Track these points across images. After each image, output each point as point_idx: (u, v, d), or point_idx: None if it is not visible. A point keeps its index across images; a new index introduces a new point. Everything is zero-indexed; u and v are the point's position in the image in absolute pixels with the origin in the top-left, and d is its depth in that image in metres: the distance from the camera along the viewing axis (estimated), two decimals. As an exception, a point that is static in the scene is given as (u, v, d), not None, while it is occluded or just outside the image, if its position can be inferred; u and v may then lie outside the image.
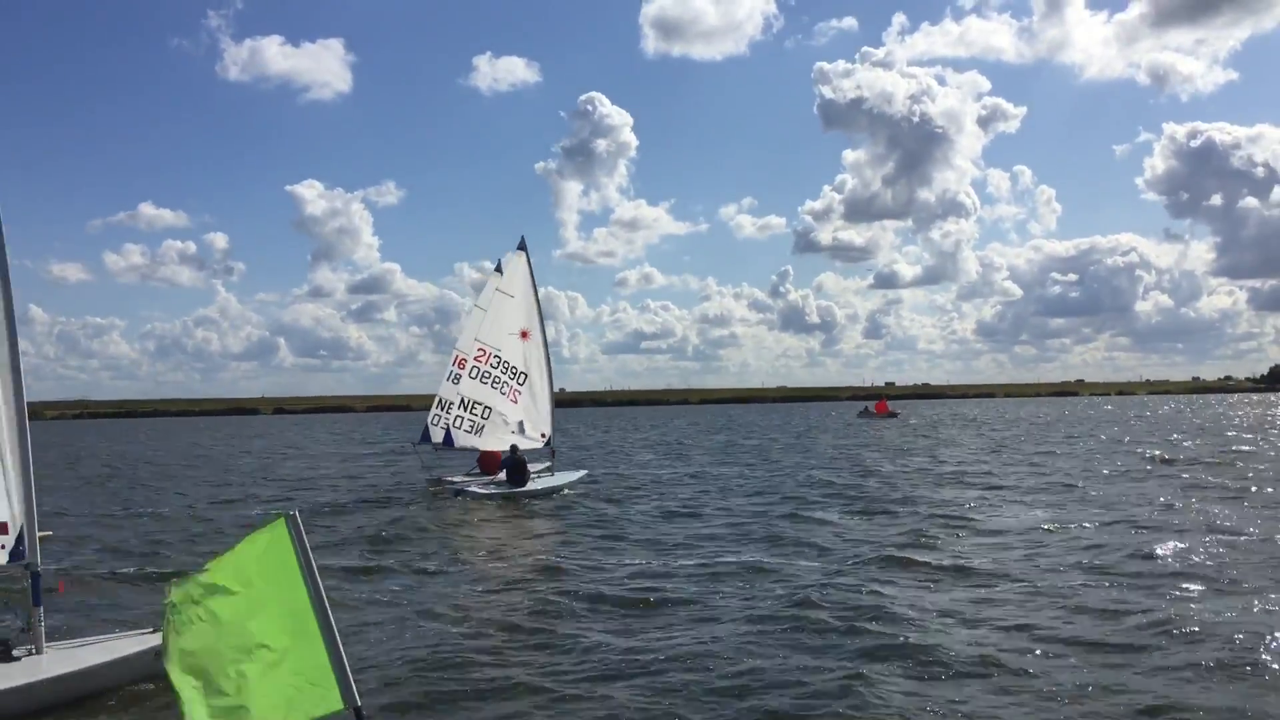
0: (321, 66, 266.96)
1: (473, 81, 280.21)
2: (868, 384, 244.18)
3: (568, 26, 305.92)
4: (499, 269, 27.93)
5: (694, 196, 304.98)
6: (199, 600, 5.31)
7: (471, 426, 26.14)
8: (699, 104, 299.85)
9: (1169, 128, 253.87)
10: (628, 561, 16.34)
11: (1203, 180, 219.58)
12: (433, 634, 11.95)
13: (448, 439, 26.42)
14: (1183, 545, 16.02)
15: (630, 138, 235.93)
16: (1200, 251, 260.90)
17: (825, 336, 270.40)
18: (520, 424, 26.69)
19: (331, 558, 17.00)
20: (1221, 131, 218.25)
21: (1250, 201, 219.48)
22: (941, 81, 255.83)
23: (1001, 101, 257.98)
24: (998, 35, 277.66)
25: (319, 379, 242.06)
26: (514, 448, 25.99)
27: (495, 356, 26.33)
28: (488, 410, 26.20)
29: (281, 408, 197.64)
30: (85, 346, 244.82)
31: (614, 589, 14.07)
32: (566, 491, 25.83)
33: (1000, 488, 25.94)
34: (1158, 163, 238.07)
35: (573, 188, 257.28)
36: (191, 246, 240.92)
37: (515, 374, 26.59)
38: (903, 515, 20.72)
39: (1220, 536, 17.02)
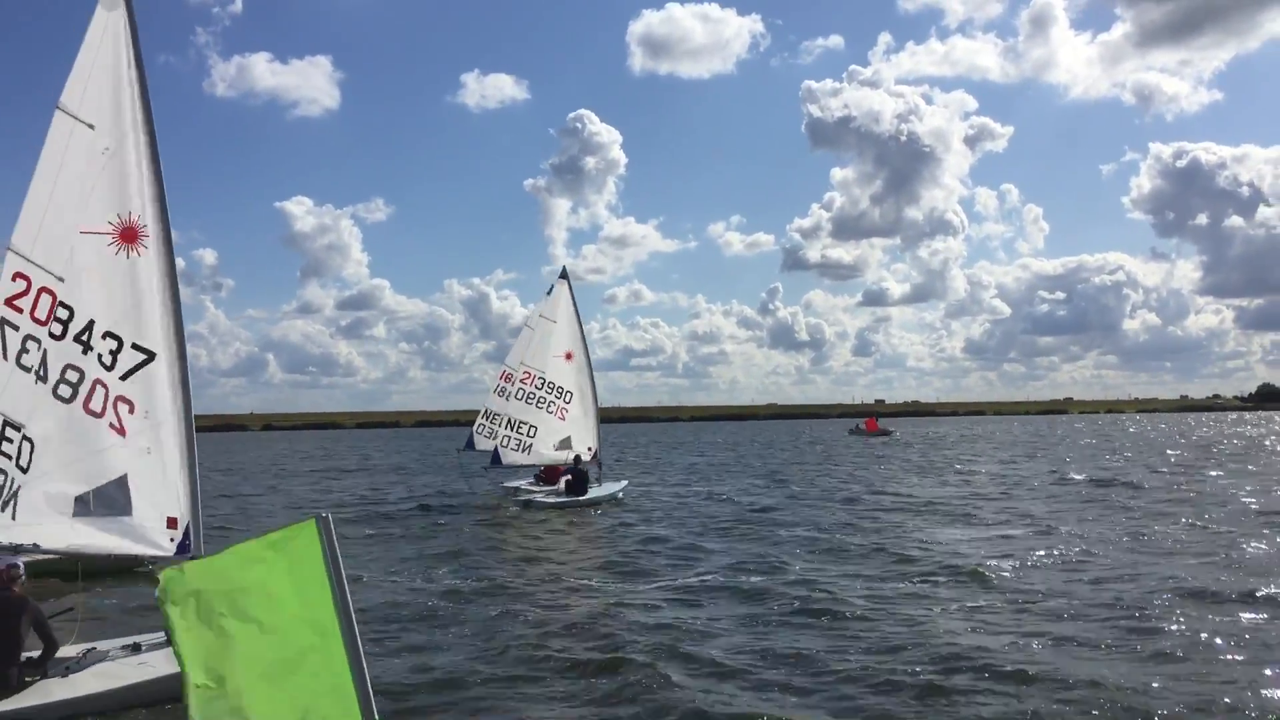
0: (309, 83, 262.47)
1: (461, 98, 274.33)
2: (858, 401, 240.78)
3: (555, 44, 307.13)
4: (550, 293, 29.40)
5: (683, 214, 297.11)
6: (211, 593, 5.01)
7: (518, 445, 27.64)
8: (687, 122, 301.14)
9: (1155, 147, 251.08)
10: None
11: (1189, 199, 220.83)
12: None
13: (496, 457, 27.97)
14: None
15: (619, 155, 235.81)
16: (1187, 270, 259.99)
17: (815, 354, 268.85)
18: (568, 439, 27.97)
19: (409, 564, 17.61)
20: (1207, 151, 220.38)
21: (1236, 221, 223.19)
22: (929, 100, 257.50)
23: (989, 121, 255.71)
24: (983, 55, 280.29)
25: (308, 395, 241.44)
26: (578, 458, 27.52)
27: (539, 378, 27.80)
28: (533, 429, 27.62)
29: (270, 424, 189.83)
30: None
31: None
32: (620, 496, 28.02)
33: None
34: (1144, 182, 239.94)
35: (562, 205, 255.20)
36: (180, 262, 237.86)
37: (562, 393, 28.03)
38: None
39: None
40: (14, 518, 9.45)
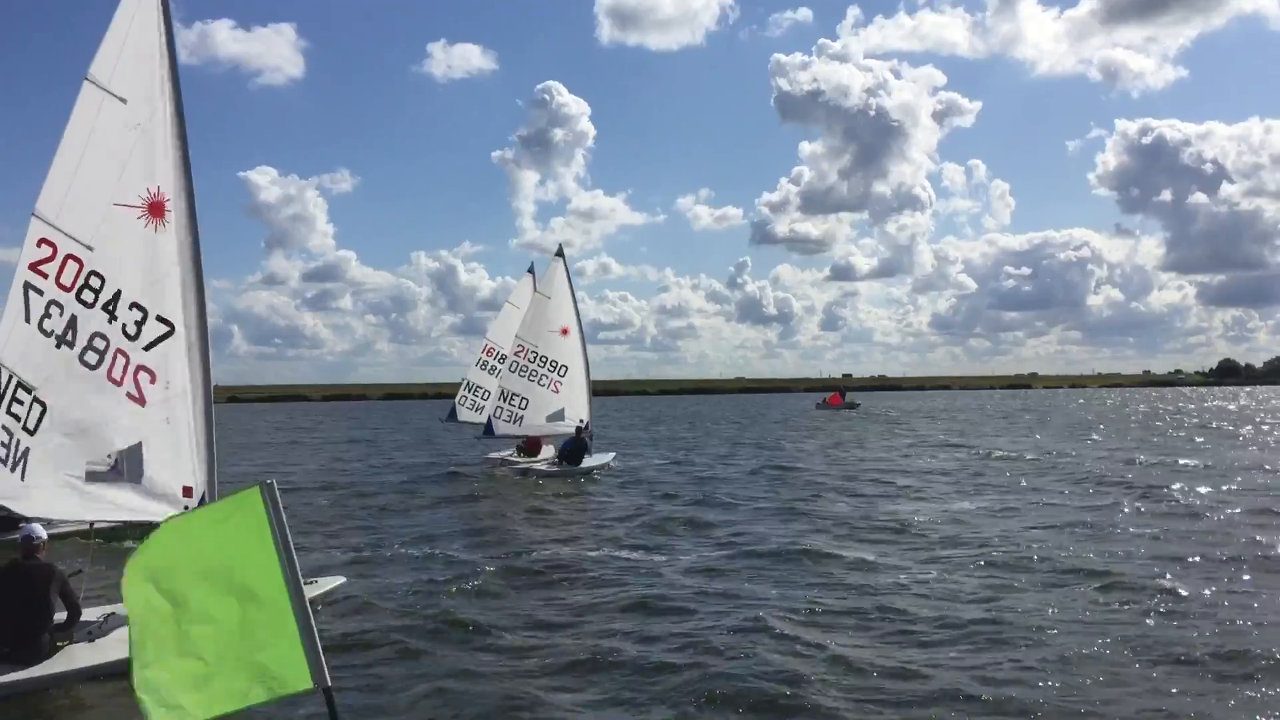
0: (273, 51, 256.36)
1: (427, 68, 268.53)
2: (825, 375, 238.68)
3: (522, 14, 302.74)
4: (531, 270, 32.09)
5: (651, 187, 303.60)
6: (157, 563, 5.06)
7: (510, 416, 28.20)
8: (656, 94, 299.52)
9: (1121, 124, 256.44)
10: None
11: (1153, 176, 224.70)
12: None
13: (489, 428, 28.66)
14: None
15: (588, 127, 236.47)
16: (1150, 247, 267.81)
17: (783, 328, 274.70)
18: (561, 411, 28.59)
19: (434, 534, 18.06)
20: (1172, 128, 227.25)
21: (1199, 198, 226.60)
22: (897, 75, 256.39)
23: (957, 96, 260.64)
24: (951, 29, 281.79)
25: (273, 367, 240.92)
26: (579, 429, 28.20)
27: (533, 352, 28.29)
28: (525, 401, 28.20)
29: (235, 396, 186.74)
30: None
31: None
32: (613, 465, 29.26)
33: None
34: (1110, 158, 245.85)
35: (530, 177, 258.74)
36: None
37: (556, 367, 28.56)
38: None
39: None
40: (23, 479, 9.42)
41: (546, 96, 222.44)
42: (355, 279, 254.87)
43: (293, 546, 4.94)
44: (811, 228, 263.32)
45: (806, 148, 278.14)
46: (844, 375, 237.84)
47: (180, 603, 4.97)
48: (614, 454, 32.05)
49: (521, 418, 28.38)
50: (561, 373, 28.64)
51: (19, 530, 9.21)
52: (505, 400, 28.42)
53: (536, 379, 28.50)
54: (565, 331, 28.94)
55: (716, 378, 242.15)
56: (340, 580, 12.10)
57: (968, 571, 13.71)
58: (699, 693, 8.64)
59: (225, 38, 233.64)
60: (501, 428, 28.50)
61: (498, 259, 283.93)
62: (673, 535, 17.45)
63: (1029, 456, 32.91)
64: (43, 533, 9.03)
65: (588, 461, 27.92)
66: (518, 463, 28.66)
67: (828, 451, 37.85)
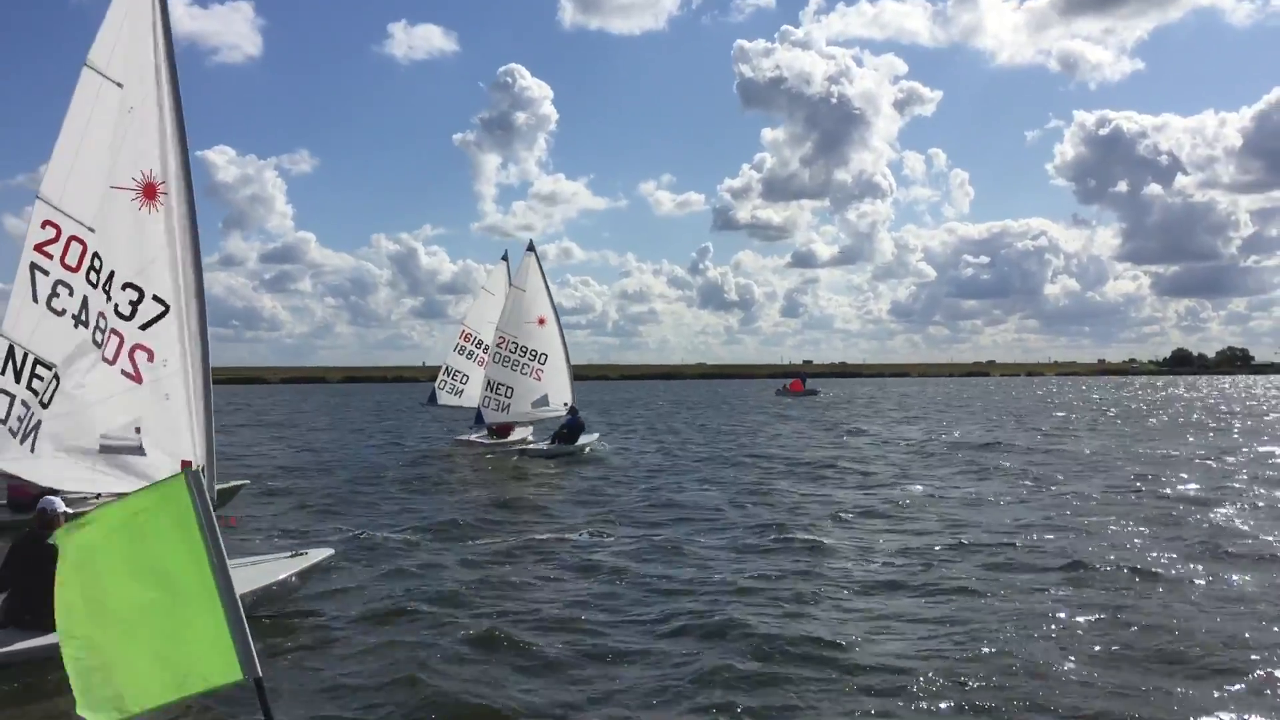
0: (230, 29, 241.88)
1: (388, 49, 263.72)
2: (786, 362, 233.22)
3: None
4: (505, 257, 34.30)
5: (613, 172, 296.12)
6: (82, 554, 4.96)
7: (497, 405, 29.42)
8: (618, 79, 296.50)
9: (1079, 115, 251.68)
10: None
11: (1110, 167, 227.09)
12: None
13: (479, 417, 30.12)
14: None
15: (550, 111, 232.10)
16: (1106, 237, 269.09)
17: (744, 314, 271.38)
18: (545, 397, 29.84)
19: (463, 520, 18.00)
20: (1129, 120, 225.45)
21: (1155, 189, 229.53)
22: (859, 63, 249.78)
23: (918, 85, 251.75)
24: (912, 18, 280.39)
25: (231, 349, 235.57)
26: (573, 410, 29.60)
27: (513, 343, 29.57)
28: (510, 390, 29.40)
29: None
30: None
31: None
32: (596, 448, 30.55)
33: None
34: (1067, 149, 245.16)
35: (491, 160, 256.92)
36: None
37: (536, 356, 29.73)
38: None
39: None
40: (33, 450, 9.51)
41: (509, 79, 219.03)
42: (315, 261, 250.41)
43: (220, 534, 4.82)
44: (773, 214, 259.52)
45: (769, 134, 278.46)
46: (804, 362, 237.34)
47: (107, 594, 4.89)
48: (597, 435, 33.17)
49: (508, 405, 29.55)
50: (541, 360, 29.80)
51: (38, 504, 9.33)
52: (492, 390, 29.51)
53: (519, 368, 29.65)
54: (542, 321, 30.11)
55: (678, 363, 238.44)
56: (329, 552, 11.88)
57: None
58: (671, 687, 8.38)
59: (181, 14, 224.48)
60: (491, 416, 29.71)
61: (459, 242, 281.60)
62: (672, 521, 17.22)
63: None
64: (61, 506, 9.09)
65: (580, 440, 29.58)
66: (485, 443, 30.21)
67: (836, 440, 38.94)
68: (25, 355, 9.40)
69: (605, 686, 8.42)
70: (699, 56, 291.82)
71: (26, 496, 14.61)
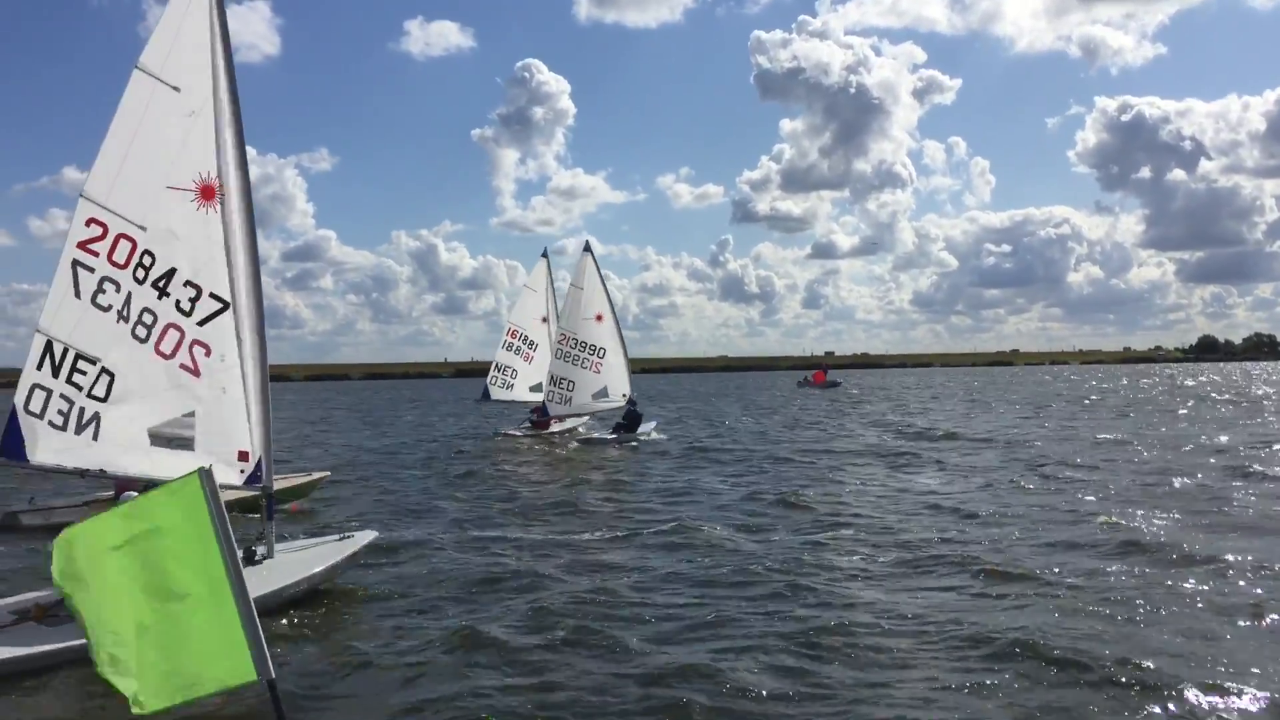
0: (248, 29, 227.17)
1: (405, 46, 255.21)
2: (808, 354, 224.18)
3: None
4: (545, 254, 35.55)
5: (631, 165, 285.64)
6: (99, 553, 4.88)
7: (561, 399, 30.78)
8: (635, 72, 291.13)
9: (1100, 101, 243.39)
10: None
11: (1132, 153, 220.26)
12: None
13: (544, 410, 31.41)
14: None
15: (568, 105, 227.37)
16: (1130, 224, 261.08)
17: (765, 306, 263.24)
18: (605, 389, 31.10)
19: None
20: (1151, 105, 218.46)
21: (1178, 174, 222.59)
22: (877, 52, 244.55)
23: (937, 74, 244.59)
24: (930, 6, 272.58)
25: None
26: (632, 401, 30.85)
27: (574, 339, 30.91)
28: (571, 384, 30.77)
29: None
30: (13, 314, 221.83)
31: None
32: (655, 436, 31.15)
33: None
34: (1089, 136, 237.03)
35: (509, 155, 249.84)
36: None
37: (595, 350, 31.03)
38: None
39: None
40: (95, 438, 9.62)
41: (526, 75, 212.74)
42: (335, 258, 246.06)
43: (232, 534, 4.73)
44: (793, 206, 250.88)
45: (787, 125, 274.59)
46: (826, 353, 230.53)
47: (122, 592, 4.81)
48: (655, 423, 33.97)
49: (570, 399, 30.83)
50: (600, 354, 31.06)
51: (120, 499, 9.53)
52: (555, 385, 30.82)
53: (579, 363, 30.89)
54: (600, 318, 31.39)
55: (700, 356, 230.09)
56: (373, 535, 11.86)
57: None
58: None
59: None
60: (555, 409, 31.00)
61: (478, 238, 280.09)
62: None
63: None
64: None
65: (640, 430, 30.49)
66: (526, 435, 31.43)
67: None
68: (65, 350, 9.40)
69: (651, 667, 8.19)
70: (715, 48, 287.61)
71: (135, 489, 15.26)
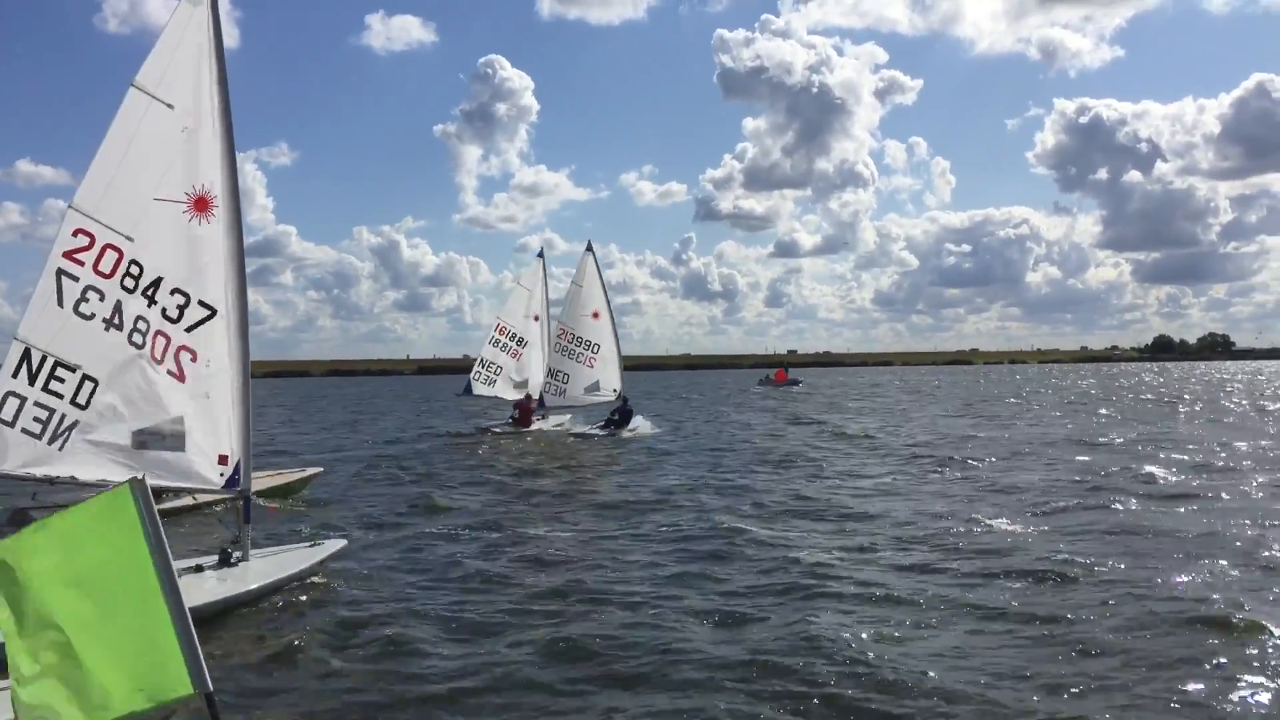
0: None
1: (366, 40, 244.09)
2: (770, 352, 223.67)
3: None
4: (541, 255, 35.84)
5: (595, 163, 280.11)
6: (26, 567, 4.71)
7: (556, 391, 31.79)
8: (598, 69, 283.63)
9: (1059, 103, 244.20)
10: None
11: (1090, 155, 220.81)
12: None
13: (541, 401, 32.14)
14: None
15: (531, 101, 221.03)
16: (1087, 225, 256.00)
17: (727, 304, 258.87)
18: (596, 383, 32.06)
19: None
20: (1108, 108, 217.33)
21: (1135, 176, 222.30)
22: (840, 52, 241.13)
23: (899, 74, 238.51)
24: (891, 7, 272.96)
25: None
26: (624, 398, 31.75)
27: (571, 334, 31.91)
28: (567, 377, 31.73)
29: None
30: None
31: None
32: (649, 430, 31.92)
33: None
34: (1048, 137, 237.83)
35: (472, 151, 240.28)
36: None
37: (590, 346, 31.95)
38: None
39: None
40: (61, 449, 9.63)
41: (489, 70, 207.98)
42: (296, 254, 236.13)
43: (166, 545, 4.60)
44: (755, 204, 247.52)
45: (750, 124, 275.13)
46: (789, 351, 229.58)
47: (52, 608, 4.67)
48: (640, 417, 34.44)
49: (564, 391, 31.79)
50: (594, 350, 32.00)
51: None
52: (552, 378, 31.85)
53: (575, 357, 31.85)
54: (596, 315, 32.32)
55: (663, 354, 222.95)
56: (343, 543, 11.94)
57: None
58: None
59: (156, 6, 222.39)
60: (551, 400, 31.94)
61: (441, 234, 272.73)
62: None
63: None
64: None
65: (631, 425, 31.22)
66: (501, 430, 31.74)
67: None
68: (44, 358, 9.42)
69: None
70: (679, 46, 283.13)
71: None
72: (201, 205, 10.28)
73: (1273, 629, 8.91)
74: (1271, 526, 13.87)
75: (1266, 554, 12.11)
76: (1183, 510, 15.68)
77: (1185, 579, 11.02)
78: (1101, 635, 8.99)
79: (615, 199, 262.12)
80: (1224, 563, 11.76)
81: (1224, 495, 16.99)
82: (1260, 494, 17.19)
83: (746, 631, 9.39)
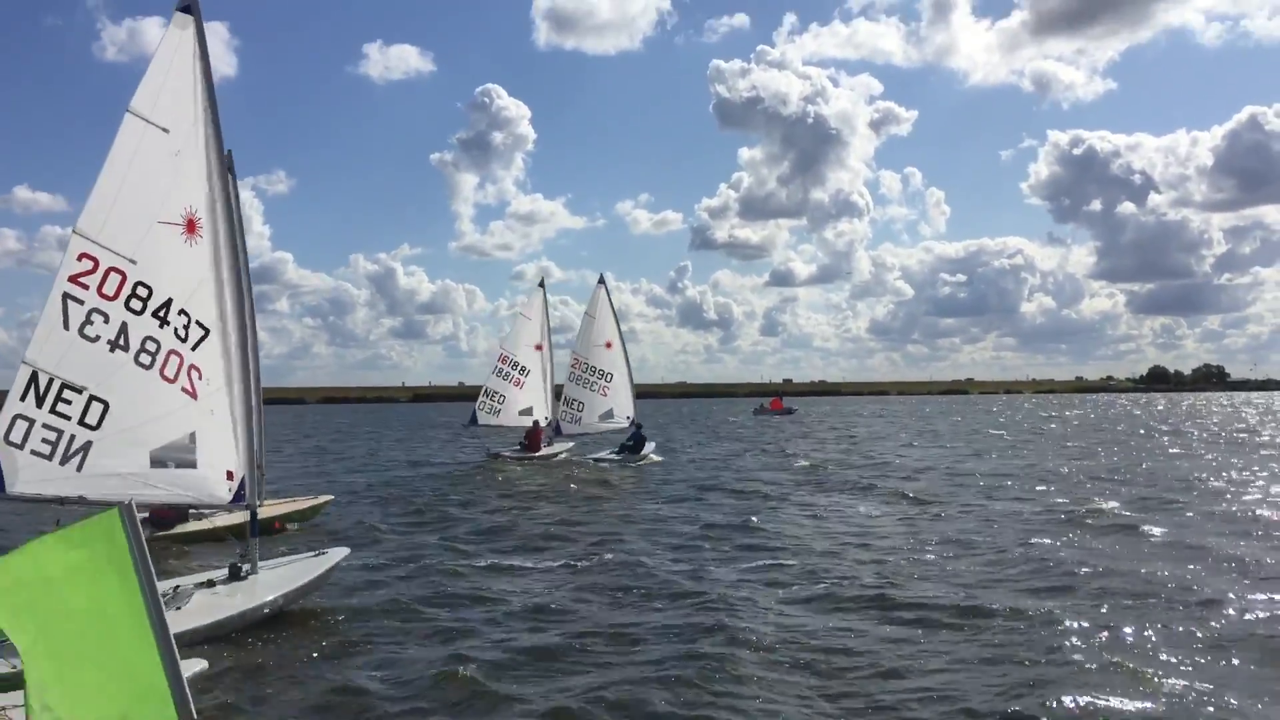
0: None
1: (364, 69, 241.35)
2: (766, 380, 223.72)
3: (458, 15, 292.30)
4: (542, 284, 34.85)
5: (591, 191, 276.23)
6: (10, 594, 4.62)
7: (572, 419, 32.57)
8: (594, 99, 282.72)
9: (1053, 135, 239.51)
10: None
11: (1084, 186, 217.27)
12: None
13: (557, 428, 32.75)
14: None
15: (528, 130, 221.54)
16: (1081, 255, 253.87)
17: (723, 333, 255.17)
18: (610, 410, 32.72)
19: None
20: (1102, 139, 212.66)
21: (1128, 207, 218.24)
22: (835, 83, 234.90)
23: (894, 105, 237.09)
24: (886, 39, 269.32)
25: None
26: (638, 425, 32.18)
27: (585, 364, 32.63)
28: (582, 405, 32.51)
29: None
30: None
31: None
32: (654, 458, 31.88)
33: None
34: (1041, 168, 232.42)
35: (469, 180, 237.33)
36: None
37: (604, 375, 32.71)
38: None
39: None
40: (79, 470, 9.76)
41: (486, 99, 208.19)
42: (292, 281, 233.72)
43: (153, 571, 4.56)
44: (751, 233, 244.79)
45: (745, 154, 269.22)
46: (785, 380, 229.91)
47: (35, 635, 4.62)
48: (653, 444, 34.62)
49: (579, 418, 32.50)
50: (608, 379, 32.69)
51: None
52: (568, 405, 32.53)
53: (589, 386, 32.60)
54: (609, 345, 32.99)
55: (659, 382, 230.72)
56: (345, 551, 12.03)
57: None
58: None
59: (155, 36, 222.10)
60: (566, 428, 32.56)
61: (437, 262, 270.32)
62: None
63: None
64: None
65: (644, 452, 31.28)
66: (511, 458, 31.84)
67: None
68: (50, 380, 9.48)
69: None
70: (675, 76, 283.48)
71: (169, 515, 15.58)
72: (191, 226, 10.42)
73: None
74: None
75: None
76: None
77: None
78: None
79: (611, 227, 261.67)
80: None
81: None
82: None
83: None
